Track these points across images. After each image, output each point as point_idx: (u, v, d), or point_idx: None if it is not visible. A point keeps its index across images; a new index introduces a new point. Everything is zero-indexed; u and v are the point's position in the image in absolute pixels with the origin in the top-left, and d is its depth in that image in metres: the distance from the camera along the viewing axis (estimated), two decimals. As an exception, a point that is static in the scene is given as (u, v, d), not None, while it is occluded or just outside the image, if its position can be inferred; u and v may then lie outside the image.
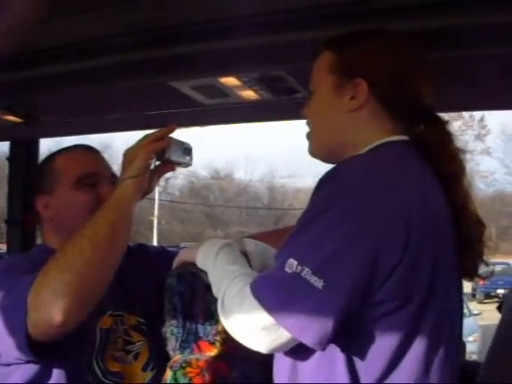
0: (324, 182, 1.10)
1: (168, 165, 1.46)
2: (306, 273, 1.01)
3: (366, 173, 1.09)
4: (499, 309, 1.93)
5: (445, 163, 1.18)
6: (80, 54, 1.60)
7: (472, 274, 1.22)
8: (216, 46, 1.49)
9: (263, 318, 1.03)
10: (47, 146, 2.83)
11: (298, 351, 1.08)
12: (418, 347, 1.06)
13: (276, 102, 1.85)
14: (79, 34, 1.55)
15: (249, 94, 1.77)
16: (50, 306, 1.21)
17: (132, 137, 1.52)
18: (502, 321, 1.78)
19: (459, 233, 1.16)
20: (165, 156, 1.42)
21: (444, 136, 1.21)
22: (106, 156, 1.64)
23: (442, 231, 1.12)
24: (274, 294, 1.04)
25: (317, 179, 1.12)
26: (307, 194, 1.12)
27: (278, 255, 1.09)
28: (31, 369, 1.35)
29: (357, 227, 1.02)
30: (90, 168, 1.53)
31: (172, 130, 1.42)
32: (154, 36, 1.52)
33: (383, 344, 1.05)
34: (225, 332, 1.14)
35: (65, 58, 1.63)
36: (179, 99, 1.83)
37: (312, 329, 1.00)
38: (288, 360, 1.13)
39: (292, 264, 1.02)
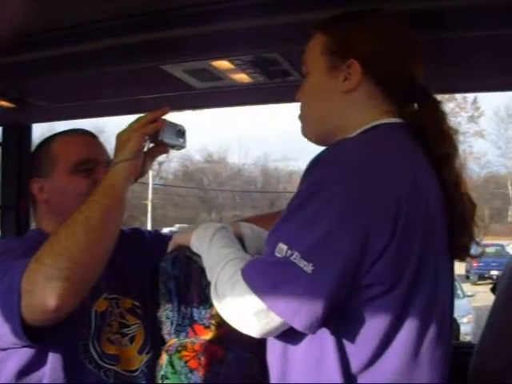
0: (314, 165, 1.09)
1: (161, 147, 1.45)
2: (296, 257, 1.01)
3: (356, 156, 1.08)
4: (493, 290, 1.94)
5: (438, 143, 1.18)
6: (72, 37, 1.58)
7: (464, 255, 1.22)
8: (209, 29, 1.48)
9: (254, 302, 1.04)
10: (40, 130, 2.81)
11: (289, 335, 1.09)
12: (408, 330, 1.07)
13: (269, 85, 1.84)
14: (71, 17, 1.53)
15: (242, 77, 1.76)
16: (44, 291, 1.20)
17: (124, 121, 1.51)
18: (496, 302, 1.79)
19: (451, 213, 1.17)
20: (158, 138, 1.41)
21: (438, 115, 1.21)
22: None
23: (433, 214, 1.12)
24: (264, 278, 1.04)
25: (310, 162, 1.11)
26: (301, 176, 1.11)
27: (268, 240, 1.08)
28: (27, 353, 1.35)
29: (346, 211, 1.02)
30: (87, 154, 1.53)
31: (165, 112, 1.41)
32: (146, 19, 1.50)
33: (372, 327, 1.06)
34: (219, 316, 1.15)
35: (56, 42, 1.61)
36: (172, 83, 1.82)
37: (302, 313, 1.01)
38: (279, 344, 1.14)
39: (282, 248, 1.03)
